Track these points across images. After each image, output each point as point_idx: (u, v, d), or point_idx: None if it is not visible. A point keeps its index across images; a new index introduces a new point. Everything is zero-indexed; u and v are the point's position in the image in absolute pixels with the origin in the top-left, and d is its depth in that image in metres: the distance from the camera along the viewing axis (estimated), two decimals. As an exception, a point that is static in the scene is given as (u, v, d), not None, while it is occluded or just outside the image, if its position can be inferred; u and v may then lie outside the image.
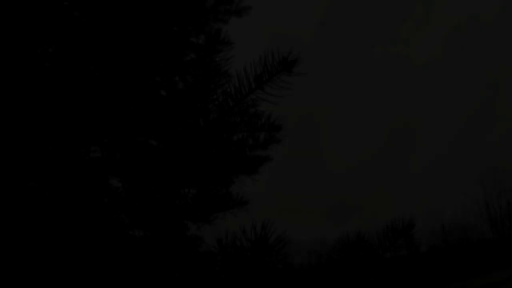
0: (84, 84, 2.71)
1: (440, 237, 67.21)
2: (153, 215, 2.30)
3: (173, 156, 2.28)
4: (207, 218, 2.59)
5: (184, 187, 2.39)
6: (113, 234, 2.33)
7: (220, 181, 2.58)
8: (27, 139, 2.30)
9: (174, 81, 4.24)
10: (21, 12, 2.65)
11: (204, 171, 2.38)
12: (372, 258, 1.67)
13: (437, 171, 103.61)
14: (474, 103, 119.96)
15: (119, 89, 2.72)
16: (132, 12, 3.43)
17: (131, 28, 3.35)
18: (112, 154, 2.64)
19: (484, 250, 54.81)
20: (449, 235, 66.46)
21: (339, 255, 1.72)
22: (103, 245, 2.20)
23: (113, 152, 2.64)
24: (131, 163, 2.45)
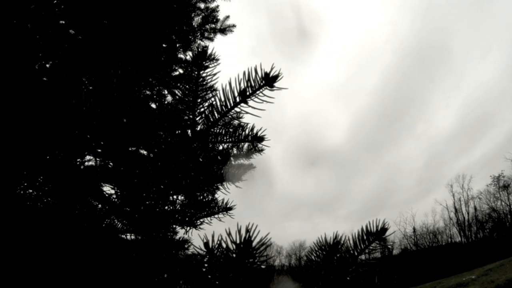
0: (78, 97, 2.72)
1: (412, 240, 67.53)
2: (143, 220, 2.30)
3: (162, 164, 2.29)
4: (194, 222, 2.59)
5: (172, 194, 2.39)
6: (106, 237, 2.33)
7: (207, 188, 2.59)
8: (26, 148, 2.30)
9: (163, 95, 4.26)
10: (21, 29, 2.66)
11: (191, 179, 2.39)
12: (347, 259, 1.69)
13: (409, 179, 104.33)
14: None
15: (112, 102, 2.73)
16: (124, 30, 3.44)
17: (123, 44, 3.36)
18: (105, 163, 2.64)
19: (453, 253, 55.05)
20: (420, 238, 66.82)
21: (317, 256, 1.74)
22: (97, 247, 2.20)
23: (106, 161, 2.64)
24: (123, 171, 2.45)
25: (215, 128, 2.09)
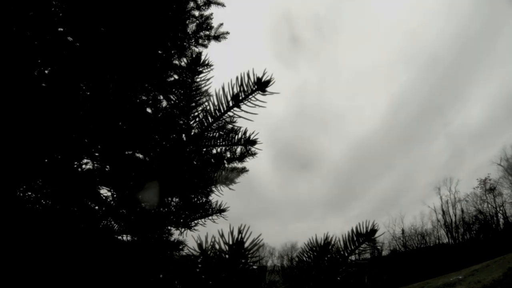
0: (76, 102, 2.71)
1: (401, 241, 67.69)
2: (139, 222, 2.29)
3: (158, 168, 2.28)
4: (189, 224, 2.59)
5: (167, 196, 2.39)
6: (103, 238, 2.32)
7: (201, 191, 2.59)
8: (26, 152, 2.30)
9: (159, 100, 4.25)
10: (21, 36, 2.65)
11: (186, 182, 2.38)
12: (338, 260, 1.69)
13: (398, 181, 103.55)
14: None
15: (108, 106, 2.72)
16: (121, 37, 3.43)
17: (120, 51, 3.35)
18: (102, 166, 2.63)
19: (440, 254, 55.17)
20: (409, 240, 67.03)
21: (308, 257, 1.73)
22: (94, 248, 2.19)
23: (103, 164, 2.63)
24: (119, 174, 2.44)
25: (209, 132, 2.09)
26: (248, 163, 3.45)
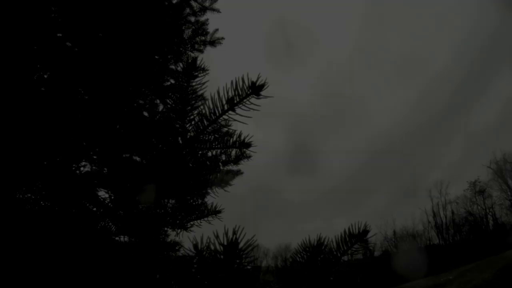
0: (74, 106, 2.71)
1: (392, 242, 67.70)
2: (136, 223, 2.29)
3: (154, 170, 2.28)
4: (185, 225, 2.58)
5: (164, 198, 2.39)
6: (101, 239, 2.32)
7: (197, 193, 2.59)
8: (25, 154, 2.30)
9: (155, 104, 4.24)
10: (20, 41, 2.65)
11: (182, 184, 2.38)
12: (331, 260, 1.69)
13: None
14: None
15: (106, 110, 2.72)
16: (119, 42, 3.43)
17: (118, 56, 3.35)
18: (100, 169, 2.63)
19: (431, 254, 55.17)
20: (400, 241, 67.05)
21: (302, 258, 1.74)
22: (92, 249, 2.19)
23: (101, 166, 2.63)
24: (117, 177, 2.44)
25: (204, 135, 2.09)
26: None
